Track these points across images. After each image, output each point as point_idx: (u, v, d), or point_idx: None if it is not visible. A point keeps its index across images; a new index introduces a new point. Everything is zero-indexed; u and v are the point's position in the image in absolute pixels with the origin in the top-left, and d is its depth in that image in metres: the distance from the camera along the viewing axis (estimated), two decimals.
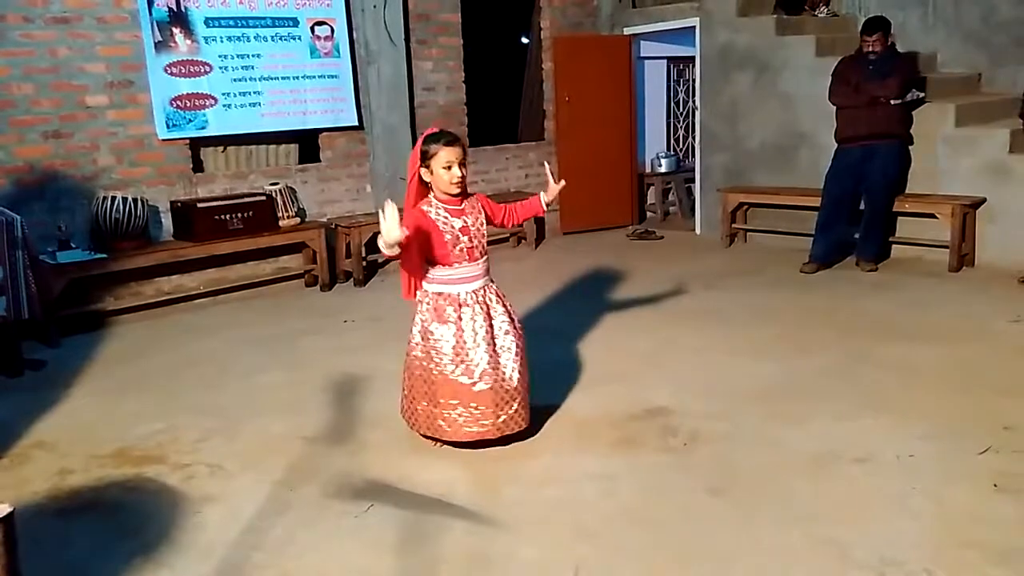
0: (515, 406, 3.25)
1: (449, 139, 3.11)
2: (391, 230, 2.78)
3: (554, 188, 3.38)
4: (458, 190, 3.15)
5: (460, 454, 3.30)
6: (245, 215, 5.91)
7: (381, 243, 2.92)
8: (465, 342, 3.17)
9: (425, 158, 3.10)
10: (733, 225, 7.29)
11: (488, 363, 3.18)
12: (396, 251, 2.91)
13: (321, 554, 2.62)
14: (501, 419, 3.21)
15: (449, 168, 3.09)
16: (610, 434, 3.43)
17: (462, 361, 3.17)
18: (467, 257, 3.18)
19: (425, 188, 3.19)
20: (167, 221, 5.93)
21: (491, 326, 3.22)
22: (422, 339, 3.21)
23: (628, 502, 2.87)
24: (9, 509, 1.24)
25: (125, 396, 4.16)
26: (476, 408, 3.18)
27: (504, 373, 3.22)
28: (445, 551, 2.59)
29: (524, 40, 8.57)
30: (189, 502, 3.00)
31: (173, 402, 4.04)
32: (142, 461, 3.37)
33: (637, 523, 2.72)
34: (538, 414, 3.52)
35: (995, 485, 2.84)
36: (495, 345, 3.22)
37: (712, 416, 3.56)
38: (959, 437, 3.22)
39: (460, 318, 3.18)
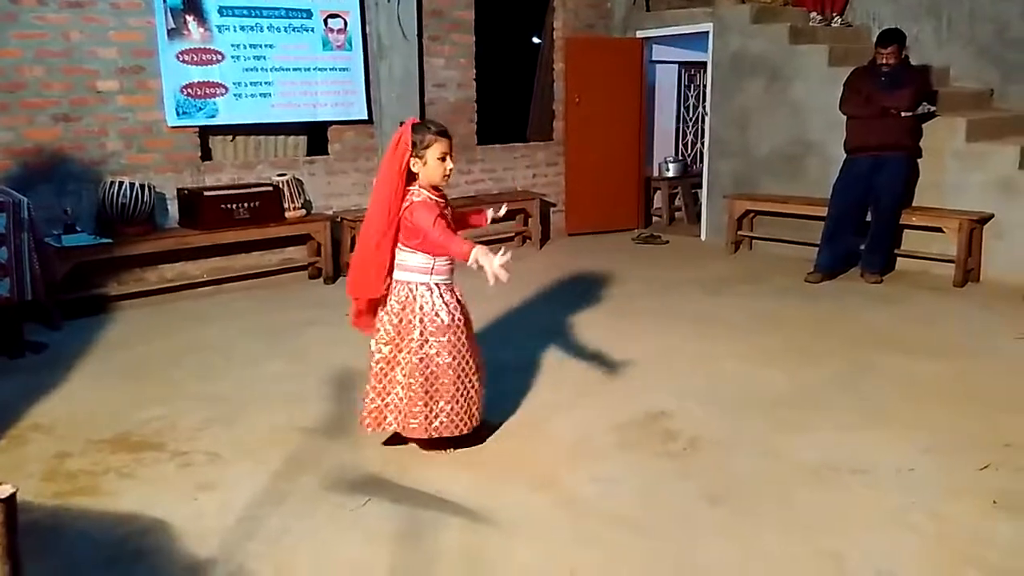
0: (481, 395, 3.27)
1: (441, 129, 3.05)
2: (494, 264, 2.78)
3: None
4: (446, 183, 3.10)
5: (458, 452, 3.29)
6: (251, 205, 5.91)
7: (481, 258, 2.83)
8: (464, 328, 3.17)
9: (417, 147, 2.98)
10: (739, 232, 7.27)
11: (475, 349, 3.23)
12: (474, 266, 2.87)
13: (317, 546, 2.61)
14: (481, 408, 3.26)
15: (443, 159, 3.01)
16: (610, 437, 3.42)
17: (466, 348, 3.16)
18: None
19: (409, 178, 3.03)
20: (173, 208, 5.93)
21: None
22: (439, 332, 3.06)
23: (627, 507, 2.86)
24: (12, 490, 1.24)
25: (125, 381, 4.16)
26: (473, 398, 3.20)
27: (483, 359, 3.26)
28: (441, 549, 2.58)
29: (536, 40, 8.56)
30: (186, 489, 3.00)
31: (173, 389, 4.04)
32: (140, 447, 3.36)
33: (635, 528, 2.71)
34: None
35: (995, 502, 2.82)
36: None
37: (713, 422, 3.55)
38: (960, 452, 3.21)
39: (459, 304, 3.17)
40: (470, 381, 3.17)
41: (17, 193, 4.48)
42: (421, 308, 3.07)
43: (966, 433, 3.40)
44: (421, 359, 3.06)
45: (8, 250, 4.33)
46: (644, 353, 4.48)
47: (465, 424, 3.17)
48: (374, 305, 3.20)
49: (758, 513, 2.79)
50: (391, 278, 3.11)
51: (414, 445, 3.26)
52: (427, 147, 2.99)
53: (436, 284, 3.10)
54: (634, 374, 4.17)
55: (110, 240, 5.37)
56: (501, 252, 2.81)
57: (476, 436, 3.33)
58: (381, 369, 3.12)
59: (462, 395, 3.14)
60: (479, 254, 2.82)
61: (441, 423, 3.11)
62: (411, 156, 2.99)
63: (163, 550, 2.59)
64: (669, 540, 2.64)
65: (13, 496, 1.25)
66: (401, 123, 3.13)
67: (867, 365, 4.24)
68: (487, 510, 2.82)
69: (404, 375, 3.09)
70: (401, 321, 3.08)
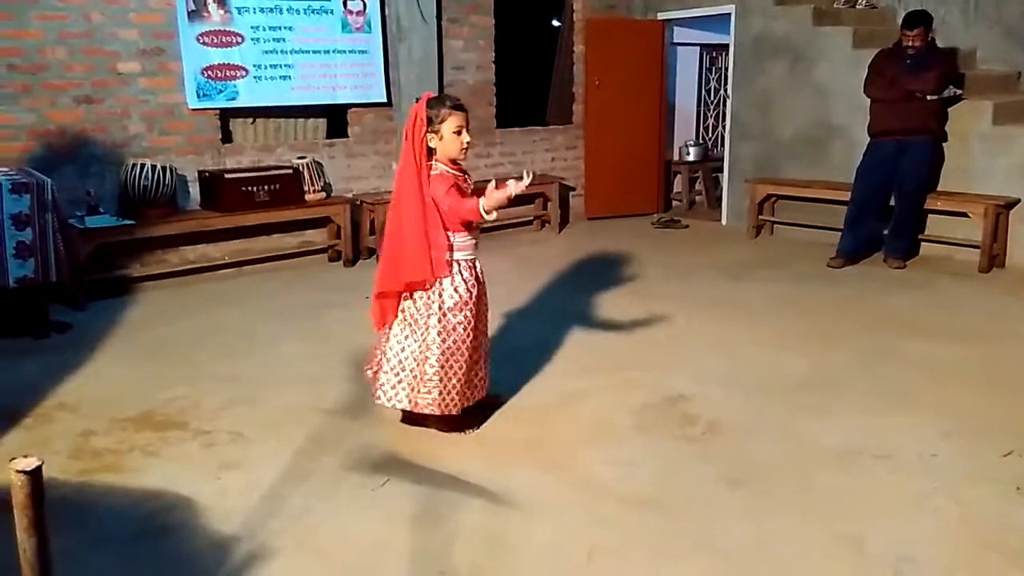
0: (487, 369, 3.34)
1: (456, 103, 3.02)
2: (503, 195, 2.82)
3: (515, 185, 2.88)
4: (465, 156, 3.08)
5: (475, 433, 3.30)
6: (272, 188, 5.93)
7: (487, 203, 2.87)
8: (476, 306, 3.17)
9: (433, 123, 2.96)
10: (760, 216, 7.21)
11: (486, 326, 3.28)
12: (493, 216, 2.92)
13: (338, 524, 2.64)
14: (485, 383, 3.33)
15: (459, 133, 2.98)
16: (628, 420, 3.42)
17: (476, 325, 3.18)
18: None
19: (428, 156, 3.02)
20: (195, 190, 5.97)
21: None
22: (456, 308, 3.07)
23: (645, 489, 2.86)
24: (38, 462, 1.25)
25: (148, 362, 4.21)
26: (477, 373, 3.26)
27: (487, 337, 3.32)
28: (460, 529, 2.60)
29: (556, 22, 8.50)
30: (210, 467, 3.03)
31: (196, 369, 4.08)
32: (164, 426, 3.40)
33: (653, 510, 2.71)
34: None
35: (1018, 488, 2.80)
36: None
37: (733, 406, 3.54)
38: (983, 438, 3.18)
39: (477, 282, 3.17)
40: (480, 358, 3.23)
41: (41, 174, 4.53)
42: (440, 283, 3.07)
43: (989, 419, 3.36)
44: (439, 333, 3.07)
45: (33, 231, 4.38)
46: (663, 337, 4.47)
47: (470, 399, 3.23)
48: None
49: (778, 497, 2.78)
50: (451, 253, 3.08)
51: (434, 430, 3.27)
52: (443, 121, 2.97)
53: (457, 260, 3.10)
54: (653, 358, 4.16)
55: (133, 222, 5.42)
56: (516, 179, 2.84)
57: (483, 414, 3.37)
58: (398, 342, 3.14)
59: (472, 371, 3.19)
60: (487, 198, 2.86)
61: (452, 400, 3.13)
62: (427, 132, 2.97)
63: (188, 526, 2.63)
64: (687, 522, 2.64)
65: (39, 468, 1.26)
66: (416, 99, 3.11)
67: (889, 350, 4.20)
68: (506, 491, 2.83)
69: (421, 349, 3.10)
70: (421, 297, 3.09)
